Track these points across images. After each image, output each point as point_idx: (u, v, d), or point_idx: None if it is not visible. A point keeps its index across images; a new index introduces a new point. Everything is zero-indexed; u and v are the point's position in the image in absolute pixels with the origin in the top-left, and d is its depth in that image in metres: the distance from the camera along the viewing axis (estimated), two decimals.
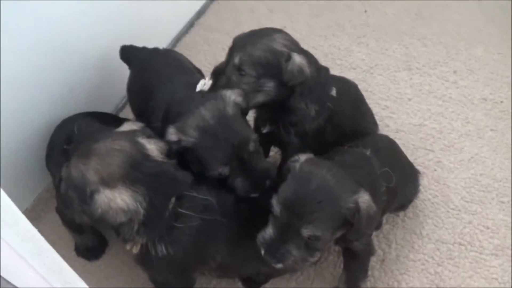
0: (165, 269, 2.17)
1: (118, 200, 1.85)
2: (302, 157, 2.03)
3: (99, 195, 1.84)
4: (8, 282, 1.64)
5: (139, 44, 3.29)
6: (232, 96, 2.20)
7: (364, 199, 1.94)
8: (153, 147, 2.03)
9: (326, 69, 2.51)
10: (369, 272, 2.58)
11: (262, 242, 2.00)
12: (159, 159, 2.01)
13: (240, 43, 2.33)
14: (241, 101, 2.21)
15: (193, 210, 2.05)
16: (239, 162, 2.14)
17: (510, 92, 3.28)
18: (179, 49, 3.58)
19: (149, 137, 2.08)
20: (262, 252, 2.01)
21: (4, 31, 2.29)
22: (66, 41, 2.70)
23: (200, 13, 3.80)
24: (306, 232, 1.90)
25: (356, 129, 2.64)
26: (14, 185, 2.66)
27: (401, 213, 2.79)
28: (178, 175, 2.03)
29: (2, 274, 1.59)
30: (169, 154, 2.09)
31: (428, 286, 2.58)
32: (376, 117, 3.09)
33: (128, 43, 3.10)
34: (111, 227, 1.94)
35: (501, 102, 3.23)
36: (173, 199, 2.00)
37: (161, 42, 3.55)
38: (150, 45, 3.46)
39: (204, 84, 2.32)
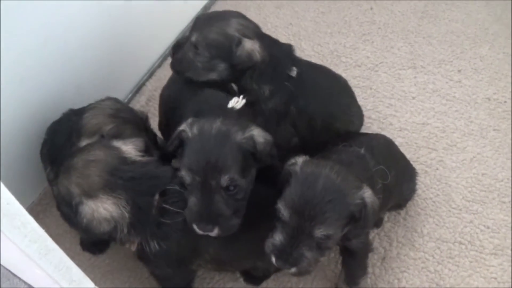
0: (162, 263, 2.21)
1: (100, 209, 1.90)
2: (299, 159, 2.04)
3: (83, 207, 1.90)
4: (24, 282, 1.67)
5: (145, 40, 3.32)
6: (255, 134, 2.15)
7: (368, 194, 1.97)
8: (129, 148, 2.08)
9: (287, 48, 2.60)
10: (370, 270, 2.62)
11: (272, 249, 1.99)
12: (138, 158, 2.05)
13: (199, 23, 2.48)
14: (260, 144, 2.14)
15: (177, 205, 2.08)
16: (203, 184, 2.05)
17: None
18: None
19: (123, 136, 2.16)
20: (273, 259, 2.01)
21: (10, 29, 2.32)
22: (72, 39, 2.72)
23: (206, 9, 3.80)
24: (319, 232, 1.90)
25: (332, 120, 2.69)
26: (20, 179, 2.70)
27: (403, 212, 2.81)
28: (159, 172, 2.06)
29: (16, 273, 1.62)
30: (147, 150, 2.14)
31: (428, 284, 2.60)
32: (380, 115, 3.12)
33: (134, 40, 3.14)
34: (99, 236, 1.98)
35: (505, 102, 3.24)
36: (157, 196, 2.03)
37: (167, 38, 3.58)
38: (157, 41, 3.50)
39: (236, 102, 2.32)
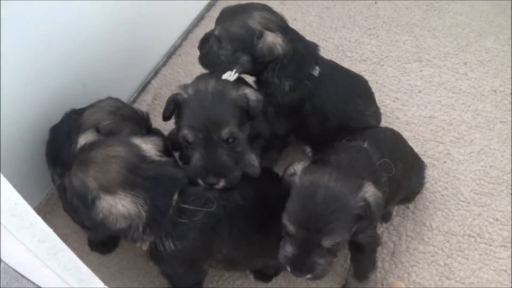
0: (175, 262, 2.21)
1: (119, 206, 1.89)
2: (298, 167, 2.05)
3: (100, 201, 1.89)
4: (31, 282, 1.67)
5: (151, 37, 3.32)
6: (248, 92, 2.30)
7: (370, 192, 1.98)
8: (149, 147, 2.08)
9: (312, 47, 2.64)
10: (380, 264, 2.62)
11: (286, 260, 2.03)
12: (157, 158, 2.06)
13: (223, 16, 2.52)
14: (253, 101, 2.29)
15: (196, 204, 2.10)
16: (206, 140, 2.20)
17: None
18: (190, 41, 3.61)
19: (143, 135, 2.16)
20: (288, 269, 2.05)
21: (14, 30, 2.32)
22: (77, 39, 2.72)
23: (210, 5, 3.81)
24: (327, 243, 1.94)
25: (347, 120, 2.70)
26: (27, 180, 2.71)
27: (411, 206, 2.81)
28: (177, 173, 2.08)
29: (24, 274, 1.62)
30: (165, 149, 2.18)
31: (437, 277, 2.60)
32: (386, 109, 3.11)
33: (139, 37, 3.13)
34: (111, 232, 2.00)
35: (511, 93, 3.23)
36: (175, 196, 2.04)
37: (172, 35, 3.58)
38: (162, 37, 3.50)
39: (229, 75, 2.40)
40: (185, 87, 2.30)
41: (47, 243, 1.54)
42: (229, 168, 2.23)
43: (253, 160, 2.49)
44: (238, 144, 2.27)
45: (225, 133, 2.19)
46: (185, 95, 2.27)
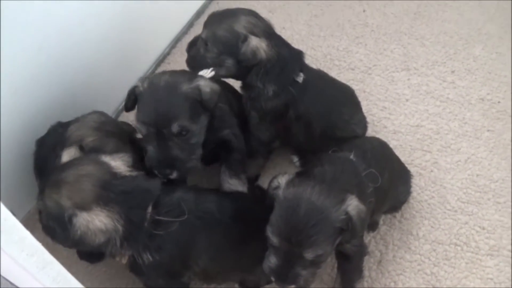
0: (155, 274, 2.22)
1: (95, 221, 1.92)
2: (282, 180, 2.08)
3: (77, 218, 1.91)
4: None
5: (140, 45, 3.32)
6: (202, 84, 2.33)
7: (352, 205, 2.00)
8: (118, 163, 2.11)
9: (298, 54, 2.68)
10: (366, 273, 2.63)
11: (270, 271, 2.07)
12: (127, 173, 2.08)
13: (211, 19, 2.58)
14: (206, 93, 2.32)
15: (170, 215, 2.12)
16: (157, 133, 2.26)
17: (507, 92, 3.30)
18: (179, 49, 3.62)
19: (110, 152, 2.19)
20: (273, 279, 2.10)
21: (6, 34, 2.32)
22: (68, 45, 2.73)
23: (199, 13, 3.82)
24: (309, 255, 1.97)
25: (331, 129, 2.74)
26: (16, 189, 2.69)
27: (398, 214, 2.82)
28: (149, 185, 2.11)
29: (17, 284, 1.63)
30: (135, 164, 2.20)
31: (424, 286, 2.61)
32: (374, 118, 3.12)
33: (129, 44, 3.14)
34: (91, 248, 2.00)
35: (499, 102, 3.25)
36: (149, 208, 2.06)
37: (161, 42, 3.59)
38: (151, 45, 3.51)
39: (206, 72, 2.46)
40: (142, 80, 2.35)
41: (35, 256, 1.56)
42: (181, 161, 2.30)
43: (236, 186, 2.56)
44: (192, 136, 2.32)
45: (174, 127, 2.24)
46: (141, 88, 2.32)
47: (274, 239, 2.00)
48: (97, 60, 2.98)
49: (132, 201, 2.01)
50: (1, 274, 1.58)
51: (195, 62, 2.60)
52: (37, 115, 2.67)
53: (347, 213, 1.98)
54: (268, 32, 2.56)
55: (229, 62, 2.52)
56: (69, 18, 2.68)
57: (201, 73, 2.45)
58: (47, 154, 2.40)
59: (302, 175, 2.15)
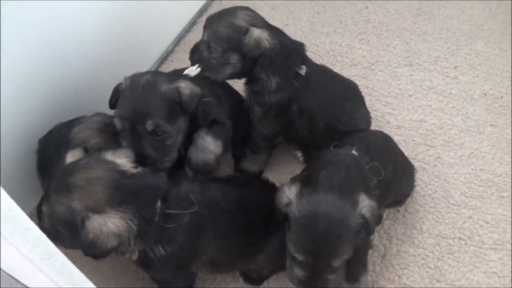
0: (165, 267, 2.22)
1: (109, 224, 1.89)
2: (291, 194, 2.07)
3: (90, 221, 1.88)
4: (25, 286, 1.68)
5: (143, 43, 3.33)
6: (182, 86, 2.34)
7: (365, 207, 2.03)
8: (123, 160, 2.10)
9: (299, 45, 2.68)
10: (370, 267, 2.63)
11: (298, 282, 2.11)
12: (134, 170, 2.08)
13: (209, 21, 2.57)
14: (185, 95, 2.32)
15: (180, 208, 2.12)
16: (132, 129, 2.26)
17: (510, 87, 3.30)
18: (182, 47, 3.64)
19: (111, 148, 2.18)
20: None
21: (7, 34, 2.33)
22: (71, 43, 2.73)
23: (202, 11, 3.83)
24: (336, 263, 2.03)
25: (335, 123, 2.74)
26: (20, 185, 2.69)
27: (402, 209, 2.82)
28: (158, 181, 2.09)
29: (18, 278, 1.63)
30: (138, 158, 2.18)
31: (428, 280, 2.62)
32: (377, 114, 3.13)
33: (132, 43, 3.14)
34: (101, 252, 1.95)
35: (501, 97, 3.26)
36: (158, 203, 2.06)
37: (164, 40, 3.59)
38: (154, 43, 3.51)
39: (191, 70, 2.51)
40: (127, 78, 2.36)
41: (40, 247, 1.55)
42: (152, 160, 2.27)
43: (208, 144, 2.50)
44: (167, 137, 2.31)
45: (149, 124, 2.23)
46: (123, 85, 2.33)
47: (299, 257, 2.03)
48: (100, 58, 2.98)
49: (143, 199, 2.00)
50: (4, 269, 1.58)
51: (200, 66, 2.58)
52: (40, 113, 2.67)
53: (362, 216, 2.01)
54: (267, 23, 2.58)
55: (234, 58, 2.51)
56: (72, 17, 2.69)
57: (186, 71, 2.47)
58: (51, 154, 2.41)
59: (308, 181, 2.13)
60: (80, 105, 2.73)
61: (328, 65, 3.01)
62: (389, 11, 3.78)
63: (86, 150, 2.32)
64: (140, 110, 2.23)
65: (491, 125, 3.13)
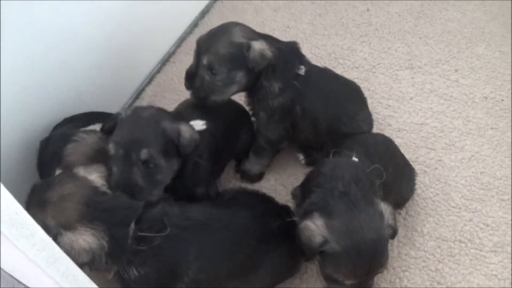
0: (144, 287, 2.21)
1: (80, 241, 1.92)
2: (323, 231, 2.07)
3: (62, 238, 1.91)
4: (24, 285, 1.69)
5: (145, 44, 3.33)
6: (183, 128, 2.34)
7: (390, 217, 2.12)
8: (95, 176, 2.13)
9: (293, 46, 2.67)
10: None
11: None
12: (107, 190, 2.11)
13: (204, 44, 2.52)
14: (184, 139, 2.32)
15: (152, 230, 2.10)
16: (125, 156, 2.22)
17: (510, 90, 3.31)
18: (184, 49, 3.65)
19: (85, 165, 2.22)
20: None
21: (9, 34, 2.34)
22: (72, 44, 2.75)
23: (204, 13, 3.84)
24: (381, 271, 2.13)
25: (337, 124, 2.75)
26: (23, 188, 2.71)
27: (403, 212, 2.83)
28: (131, 202, 2.11)
29: (19, 279, 1.64)
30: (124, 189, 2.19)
31: (429, 283, 2.62)
32: (378, 116, 3.13)
33: (133, 44, 3.15)
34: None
35: (502, 100, 3.26)
36: (132, 225, 2.06)
37: (166, 42, 3.61)
38: (156, 44, 3.52)
39: (198, 124, 2.50)
40: (127, 109, 2.40)
41: (46, 251, 1.57)
42: (140, 189, 2.25)
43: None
44: (158, 171, 2.29)
45: (143, 153, 2.21)
46: (123, 115, 2.34)
47: (349, 282, 2.10)
48: (102, 59, 3.00)
49: (115, 218, 2.02)
50: (8, 271, 1.59)
51: (205, 91, 2.55)
52: (42, 114, 2.69)
53: (390, 226, 2.10)
54: (259, 33, 2.58)
55: (240, 75, 2.51)
56: (74, 18, 2.70)
57: (192, 123, 2.45)
58: (49, 160, 2.44)
59: (324, 206, 2.14)
60: (82, 105, 2.75)
61: (330, 68, 3.01)
62: (390, 14, 3.79)
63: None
64: (138, 138, 2.23)
65: (491, 128, 3.14)
